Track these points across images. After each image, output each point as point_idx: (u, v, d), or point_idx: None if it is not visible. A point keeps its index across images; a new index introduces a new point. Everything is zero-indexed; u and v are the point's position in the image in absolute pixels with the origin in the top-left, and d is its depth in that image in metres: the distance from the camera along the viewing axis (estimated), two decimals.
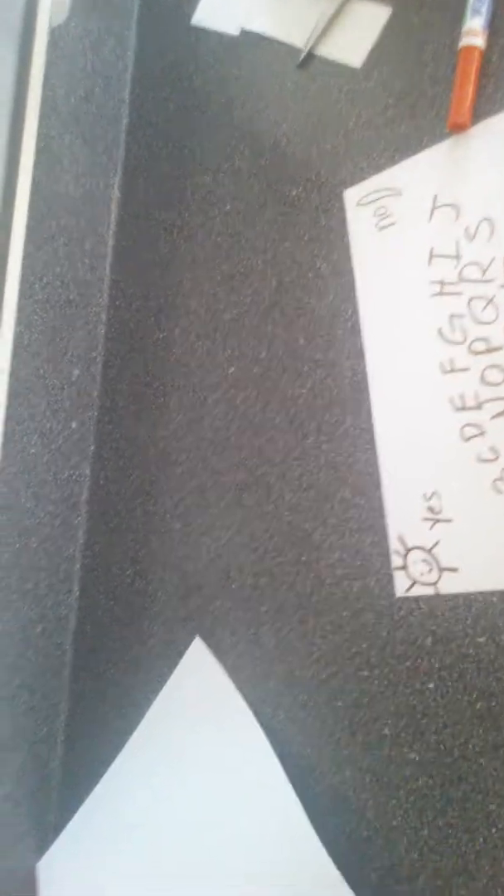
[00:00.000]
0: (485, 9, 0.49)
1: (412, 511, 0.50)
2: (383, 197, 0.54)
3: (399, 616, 0.49)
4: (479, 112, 0.50)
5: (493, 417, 0.48)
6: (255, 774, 0.48)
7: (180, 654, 0.59)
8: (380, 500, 0.52)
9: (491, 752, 0.43)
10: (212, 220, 0.66)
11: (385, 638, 0.49)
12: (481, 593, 0.46)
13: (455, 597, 0.47)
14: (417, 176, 0.53)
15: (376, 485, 0.52)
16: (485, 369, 0.48)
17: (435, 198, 0.52)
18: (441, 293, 0.51)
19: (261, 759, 0.48)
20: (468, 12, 0.49)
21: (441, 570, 0.48)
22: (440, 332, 0.51)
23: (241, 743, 0.50)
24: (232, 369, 0.62)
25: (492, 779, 0.43)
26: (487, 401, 0.48)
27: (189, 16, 0.73)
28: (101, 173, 0.76)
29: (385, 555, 0.51)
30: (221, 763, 0.50)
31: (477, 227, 0.50)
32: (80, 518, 0.70)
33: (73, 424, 0.72)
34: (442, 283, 0.51)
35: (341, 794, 0.47)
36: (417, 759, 0.45)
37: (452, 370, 0.50)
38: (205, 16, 0.71)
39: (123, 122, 0.77)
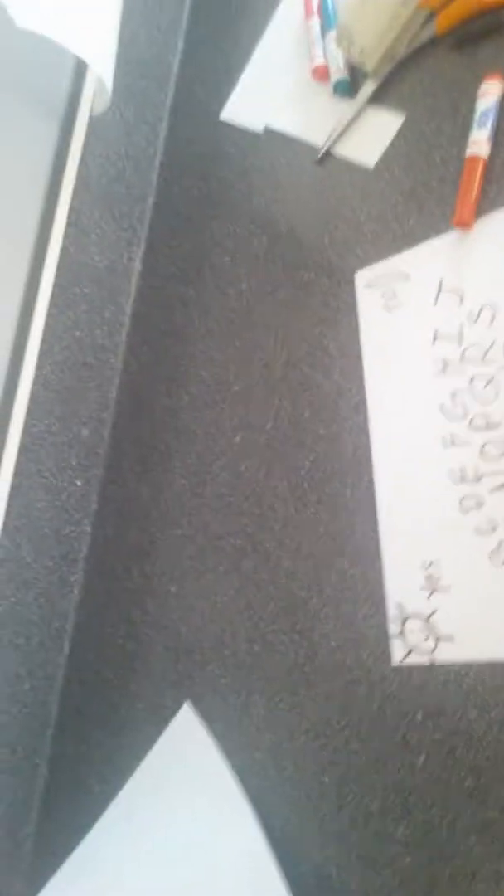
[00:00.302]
0: (490, 122, 0.53)
1: (411, 579, 0.51)
2: (392, 281, 0.58)
3: (391, 689, 0.49)
4: (482, 212, 0.54)
5: (492, 491, 0.49)
6: (239, 848, 0.47)
7: (168, 719, 0.58)
8: (376, 572, 0.52)
9: (480, 831, 0.42)
10: (227, 297, 0.70)
11: (376, 711, 0.48)
12: (473, 669, 0.46)
13: (447, 671, 0.47)
14: (424, 263, 0.56)
15: (373, 557, 0.53)
16: (484, 445, 0.50)
17: (440, 283, 0.55)
18: (444, 372, 0.53)
19: (245, 832, 0.47)
20: (475, 124, 0.54)
21: (437, 639, 0.49)
22: (442, 408, 0.53)
23: (226, 815, 0.49)
24: (237, 438, 0.64)
25: (480, 859, 0.42)
26: (486, 475, 0.50)
27: (217, 111, 0.79)
28: (126, 247, 0.80)
29: (379, 627, 0.51)
30: (204, 835, 0.49)
31: (479, 312, 0.53)
32: (77, 575, 0.70)
33: (79, 482, 0.73)
34: (445, 362, 0.53)
35: (325, 872, 0.46)
36: (405, 836, 0.44)
37: (453, 444, 0.52)
38: (232, 112, 0.77)
39: (149, 202, 0.82)
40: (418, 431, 0.53)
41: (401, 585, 0.51)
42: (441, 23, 0.59)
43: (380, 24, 0.61)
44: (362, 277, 0.59)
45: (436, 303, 0.55)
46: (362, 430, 0.57)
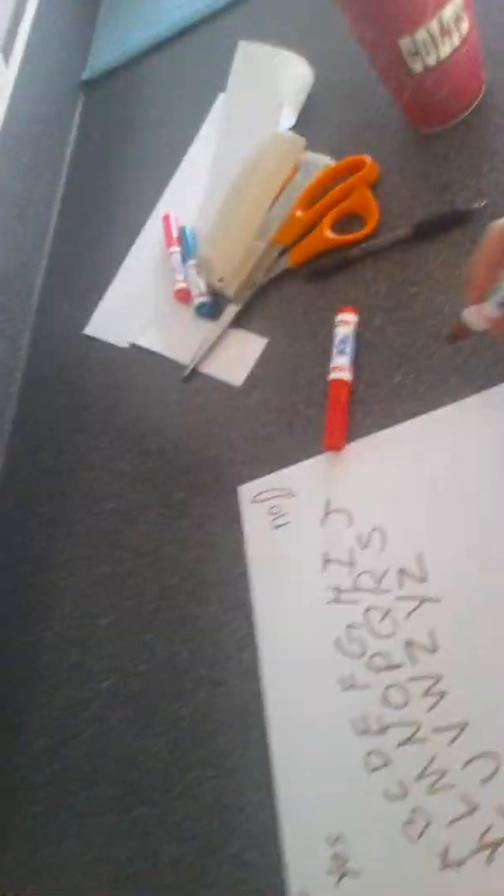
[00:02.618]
0: (348, 348, 0.54)
1: (315, 859, 0.42)
2: (277, 496, 0.54)
3: None
4: (353, 433, 0.53)
5: (399, 745, 0.43)
6: None
7: None
8: (276, 855, 0.44)
9: None
10: (93, 517, 0.64)
11: None
12: None
13: None
14: (308, 480, 0.53)
15: (269, 835, 0.44)
16: (386, 688, 0.45)
17: (328, 502, 0.52)
18: (337, 601, 0.49)
19: None
20: (335, 350, 0.55)
21: None
22: (338, 642, 0.47)
23: None
24: (106, 684, 0.55)
25: None
26: (391, 726, 0.43)
27: (82, 325, 0.78)
28: None
29: None
30: None
31: (369, 536, 0.49)
32: None
33: None
34: (338, 589, 0.49)
35: None
36: None
37: (353, 687, 0.46)
38: (97, 328, 0.77)
39: (9, 415, 0.77)
40: (313, 671, 0.47)
41: (304, 868, 0.42)
42: (293, 257, 0.62)
43: (236, 255, 0.63)
44: (247, 491, 0.56)
45: (323, 523, 0.51)
46: (249, 671, 0.50)
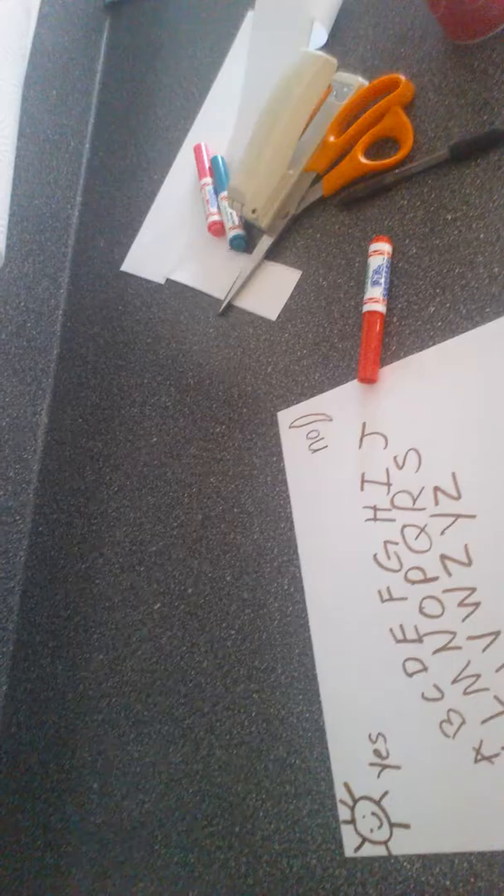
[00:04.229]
0: (383, 279, 0.54)
1: (358, 755, 0.46)
2: (315, 421, 0.56)
3: None
4: (386, 362, 0.53)
5: (435, 652, 0.46)
6: None
7: None
8: (316, 760, 0.47)
9: None
10: (138, 451, 0.67)
11: None
12: (440, 863, 0.41)
13: (409, 866, 0.42)
14: (344, 404, 0.55)
15: (312, 742, 0.48)
16: (423, 600, 0.47)
17: (364, 425, 0.53)
18: (375, 519, 0.51)
19: None
20: (368, 281, 0.54)
21: (392, 825, 0.44)
22: (376, 558, 0.50)
23: None
24: (157, 605, 0.59)
25: None
26: (428, 634, 0.46)
27: (119, 262, 0.79)
28: (30, 402, 0.77)
29: (326, 826, 0.46)
30: None
31: (405, 456, 0.51)
32: None
33: None
34: (375, 508, 0.51)
35: None
36: None
37: (391, 599, 0.48)
38: (133, 264, 0.77)
39: (54, 353, 0.79)
40: (353, 584, 0.50)
41: (348, 762, 0.46)
42: (327, 185, 0.61)
43: (269, 185, 0.62)
44: (285, 417, 0.58)
45: (360, 445, 0.53)
46: (288, 595, 0.53)
